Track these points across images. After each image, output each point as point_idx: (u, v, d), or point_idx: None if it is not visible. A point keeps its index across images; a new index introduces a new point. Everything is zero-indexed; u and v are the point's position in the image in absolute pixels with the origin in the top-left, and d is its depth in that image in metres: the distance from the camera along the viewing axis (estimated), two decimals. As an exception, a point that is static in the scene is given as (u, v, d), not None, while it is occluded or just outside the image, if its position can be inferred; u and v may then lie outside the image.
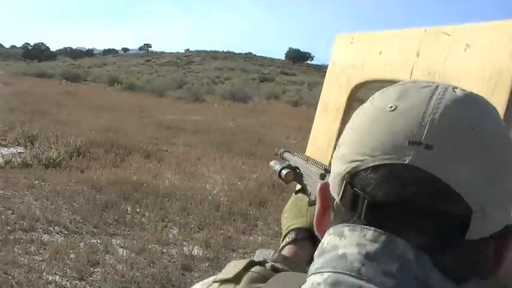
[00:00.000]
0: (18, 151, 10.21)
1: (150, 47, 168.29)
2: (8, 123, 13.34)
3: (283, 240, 1.42)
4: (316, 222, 0.79)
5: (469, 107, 0.66)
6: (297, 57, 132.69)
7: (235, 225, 6.93)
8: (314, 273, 0.67)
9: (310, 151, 1.85)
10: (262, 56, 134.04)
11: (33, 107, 18.14)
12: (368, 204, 0.65)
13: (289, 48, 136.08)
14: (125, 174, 9.03)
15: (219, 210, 7.43)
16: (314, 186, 1.37)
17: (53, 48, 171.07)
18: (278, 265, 0.88)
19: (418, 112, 0.65)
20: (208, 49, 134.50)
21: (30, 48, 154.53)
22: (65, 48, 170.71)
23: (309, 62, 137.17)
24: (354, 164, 0.68)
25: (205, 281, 0.87)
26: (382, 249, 0.63)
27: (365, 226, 0.65)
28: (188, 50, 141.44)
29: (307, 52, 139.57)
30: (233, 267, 0.85)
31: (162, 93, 30.88)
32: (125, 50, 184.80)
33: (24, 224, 6.27)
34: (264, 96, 35.28)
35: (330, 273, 0.63)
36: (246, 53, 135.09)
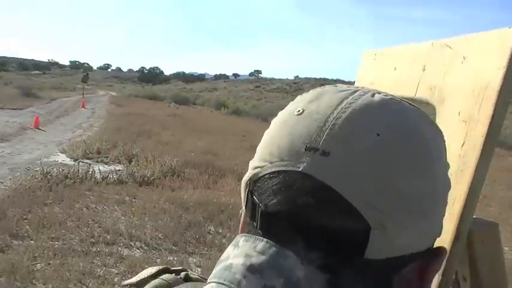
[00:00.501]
0: (117, 168, 10.58)
1: (260, 73, 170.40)
2: (112, 142, 13.87)
3: None
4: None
5: (380, 112, 0.60)
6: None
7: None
8: (206, 284, 0.64)
9: None
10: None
11: (139, 127, 18.88)
12: (262, 213, 0.60)
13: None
14: (214, 196, 9.12)
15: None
16: None
17: (167, 73, 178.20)
18: (196, 275, 0.84)
19: (322, 116, 0.59)
20: (317, 76, 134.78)
21: (145, 72, 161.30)
22: (178, 73, 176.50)
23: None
24: (255, 171, 0.63)
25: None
26: (269, 262, 0.57)
27: (259, 237, 0.60)
28: (297, 76, 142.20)
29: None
30: (145, 272, 0.83)
31: (267, 119, 30.95)
32: (236, 75, 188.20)
33: (108, 237, 6.49)
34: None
35: (214, 284, 0.59)
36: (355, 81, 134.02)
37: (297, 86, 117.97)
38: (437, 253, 0.63)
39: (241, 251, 0.60)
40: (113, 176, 9.74)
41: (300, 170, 0.57)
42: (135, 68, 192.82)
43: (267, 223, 0.60)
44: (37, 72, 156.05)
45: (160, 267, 0.82)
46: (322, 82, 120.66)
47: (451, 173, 0.68)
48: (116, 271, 5.54)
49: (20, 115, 22.31)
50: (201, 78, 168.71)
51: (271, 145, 0.63)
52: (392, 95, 0.63)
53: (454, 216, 0.85)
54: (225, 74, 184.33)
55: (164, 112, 28.92)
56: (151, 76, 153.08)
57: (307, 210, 0.56)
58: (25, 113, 23.79)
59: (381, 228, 0.55)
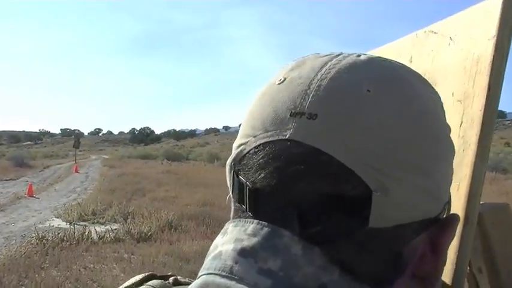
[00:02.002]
0: (113, 227, 10.46)
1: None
2: (107, 203, 13.75)
3: None
4: None
5: (368, 69, 0.54)
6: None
7: None
8: (197, 278, 0.57)
9: None
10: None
11: (133, 186, 18.76)
12: (250, 192, 0.54)
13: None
14: (213, 245, 8.92)
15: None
16: None
17: (157, 131, 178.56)
18: (186, 279, 0.77)
19: (305, 80, 0.54)
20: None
21: (136, 132, 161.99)
22: (169, 131, 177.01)
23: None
24: (239, 149, 0.58)
25: None
26: (262, 243, 0.51)
27: (249, 219, 0.54)
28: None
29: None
30: (129, 281, 0.75)
31: (261, 166, 30.89)
32: (226, 128, 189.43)
33: (108, 295, 6.32)
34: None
35: (204, 276, 0.53)
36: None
37: None
38: (449, 220, 0.57)
39: (230, 237, 0.54)
40: (109, 234, 9.62)
41: (286, 137, 0.52)
42: (126, 130, 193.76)
43: (256, 202, 0.54)
44: (29, 142, 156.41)
45: (147, 273, 0.75)
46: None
47: None
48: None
49: (14, 185, 22.21)
50: (192, 134, 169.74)
51: (253, 119, 0.57)
52: (376, 56, 0.58)
53: (461, 200, 0.78)
54: (215, 128, 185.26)
55: (157, 170, 28.85)
56: (142, 136, 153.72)
57: (299, 179, 0.51)
58: (18, 182, 23.68)
59: (383, 190, 0.49)
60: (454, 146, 0.58)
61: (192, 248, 8.69)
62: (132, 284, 0.72)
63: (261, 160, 0.53)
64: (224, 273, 0.50)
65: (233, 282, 0.49)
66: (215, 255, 0.53)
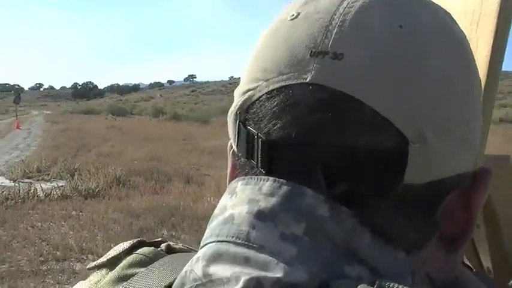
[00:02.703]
0: (59, 184, 10.24)
1: (195, 77, 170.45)
2: (52, 159, 13.46)
3: None
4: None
5: (398, 2, 0.47)
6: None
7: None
8: (200, 248, 0.48)
9: None
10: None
11: (78, 142, 18.43)
12: (263, 145, 0.47)
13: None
14: (163, 200, 8.91)
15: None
16: None
17: (100, 86, 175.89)
18: (180, 246, 0.69)
19: (325, 15, 0.46)
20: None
21: (79, 87, 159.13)
22: (112, 85, 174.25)
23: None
24: (247, 95, 0.50)
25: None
26: (282, 204, 0.44)
27: (263, 176, 0.46)
28: (232, 77, 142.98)
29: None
30: (114, 249, 0.66)
31: (207, 121, 30.91)
32: (171, 82, 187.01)
33: (58, 253, 6.24)
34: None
35: (213, 244, 0.45)
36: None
37: (232, 87, 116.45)
38: (481, 174, 0.50)
39: (242, 198, 0.47)
40: (56, 192, 9.40)
41: (307, 80, 0.45)
42: (68, 85, 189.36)
43: (271, 156, 0.47)
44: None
45: (134, 240, 0.66)
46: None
47: None
48: (71, 287, 5.28)
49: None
50: (135, 88, 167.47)
51: (262, 61, 0.50)
52: None
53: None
54: (159, 82, 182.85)
55: (102, 125, 28.40)
56: (85, 91, 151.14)
57: (323, 129, 0.44)
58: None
59: (421, 141, 0.43)
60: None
61: (141, 203, 8.58)
62: (120, 253, 0.64)
63: (276, 108, 0.46)
64: (240, 241, 0.44)
65: (252, 251, 0.43)
66: (225, 219, 0.46)
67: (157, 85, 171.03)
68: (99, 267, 0.64)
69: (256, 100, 0.48)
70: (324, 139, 0.44)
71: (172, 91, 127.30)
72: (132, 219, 7.67)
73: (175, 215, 7.87)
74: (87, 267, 0.67)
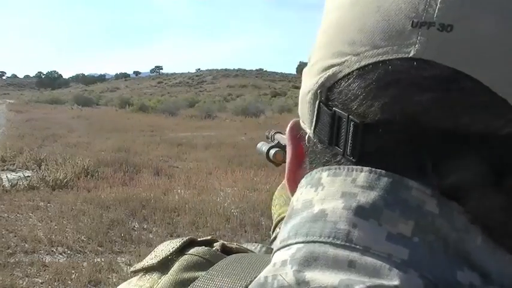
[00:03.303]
0: (26, 174, 10.03)
1: (162, 69, 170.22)
2: (17, 149, 13.17)
3: (273, 231, 1.18)
4: (288, 182, 0.52)
5: None
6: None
7: (246, 236, 6.65)
8: (279, 249, 0.41)
9: None
10: (273, 72, 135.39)
11: (43, 132, 18.18)
12: (355, 128, 0.40)
13: (300, 62, 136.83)
14: (133, 192, 8.78)
15: (230, 222, 7.16)
16: None
17: (65, 76, 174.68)
18: (234, 244, 0.61)
19: None
20: (219, 67, 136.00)
21: (43, 76, 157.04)
22: (78, 75, 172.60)
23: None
24: (330, 72, 0.42)
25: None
26: (385, 199, 0.38)
27: (354, 166, 0.40)
28: (199, 69, 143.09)
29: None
30: (161, 250, 0.58)
31: (174, 113, 30.74)
32: (137, 73, 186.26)
33: (26, 246, 6.09)
34: (276, 110, 34.68)
35: (301, 245, 0.39)
36: (257, 70, 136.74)
37: (199, 79, 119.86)
38: None
39: (332, 191, 0.41)
40: (22, 182, 9.22)
41: (410, 55, 0.38)
42: (32, 74, 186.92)
43: (364, 142, 0.40)
44: None
45: (184, 239, 0.58)
46: (224, 73, 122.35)
47: None
48: (41, 280, 5.17)
49: None
50: (101, 79, 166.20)
51: (348, 32, 0.42)
52: None
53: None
54: (126, 73, 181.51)
55: (67, 115, 28.13)
56: (49, 80, 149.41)
57: (433, 111, 0.38)
58: None
59: None
60: None
61: (110, 195, 8.46)
62: (171, 254, 0.55)
63: (372, 86, 0.40)
64: (339, 242, 0.37)
65: (356, 254, 0.36)
66: (314, 215, 0.39)
67: (124, 76, 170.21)
68: (147, 270, 0.55)
69: (344, 77, 0.41)
70: (433, 122, 0.37)
71: (138, 82, 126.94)
72: (102, 210, 7.53)
73: (146, 207, 7.75)
74: (131, 269, 0.57)
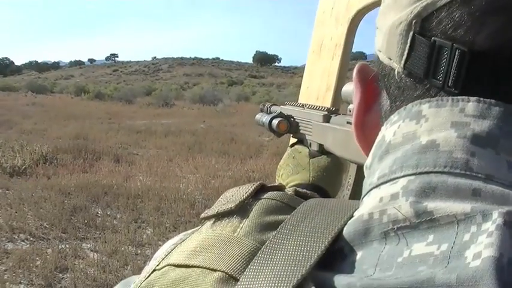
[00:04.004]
0: (-19, 162, 9.77)
1: (117, 56, 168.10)
2: (-30, 136, 12.84)
3: None
4: (355, 128, 0.50)
5: None
6: (265, 60, 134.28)
7: (212, 222, 6.55)
8: (377, 186, 0.39)
9: (303, 101, 1.54)
10: (230, 61, 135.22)
11: (-3, 119, 17.64)
12: (461, 58, 0.37)
13: (256, 51, 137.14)
14: (94, 179, 8.66)
15: (194, 208, 7.11)
16: (316, 132, 1.10)
17: (18, 63, 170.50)
18: (304, 190, 0.57)
19: None
20: (175, 56, 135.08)
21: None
22: (30, 62, 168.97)
23: (276, 64, 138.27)
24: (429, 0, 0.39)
25: (180, 235, 0.56)
26: (501, 127, 0.36)
27: (460, 97, 0.38)
28: (155, 57, 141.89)
29: (274, 54, 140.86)
30: (232, 196, 0.54)
31: (131, 101, 30.39)
32: (92, 61, 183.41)
33: (-15, 233, 5.93)
34: (233, 99, 34.63)
35: (412, 177, 0.36)
36: (213, 58, 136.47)
37: (155, 67, 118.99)
38: None
39: (439, 121, 0.39)
40: (-23, 169, 8.95)
41: None
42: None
43: (469, 72, 0.38)
44: None
45: (255, 184, 0.54)
46: (180, 61, 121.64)
47: None
48: (4, 267, 5.05)
49: None
50: (55, 66, 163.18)
51: None
52: None
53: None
54: (80, 60, 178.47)
55: (22, 102, 27.47)
56: (1, 67, 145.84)
57: None
58: None
59: None
60: None
61: (71, 182, 8.31)
62: (247, 197, 0.52)
63: (478, 12, 0.37)
64: (458, 171, 0.35)
65: (479, 182, 0.35)
66: (423, 146, 0.37)
67: (78, 63, 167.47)
68: (223, 215, 0.51)
69: (445, 5, 0.38)
70: None
71: (93, 70, 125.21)
72: (63, 197, 7.40)
73: (108, 194, 7.67)
74: (202, 216, 0.53)
